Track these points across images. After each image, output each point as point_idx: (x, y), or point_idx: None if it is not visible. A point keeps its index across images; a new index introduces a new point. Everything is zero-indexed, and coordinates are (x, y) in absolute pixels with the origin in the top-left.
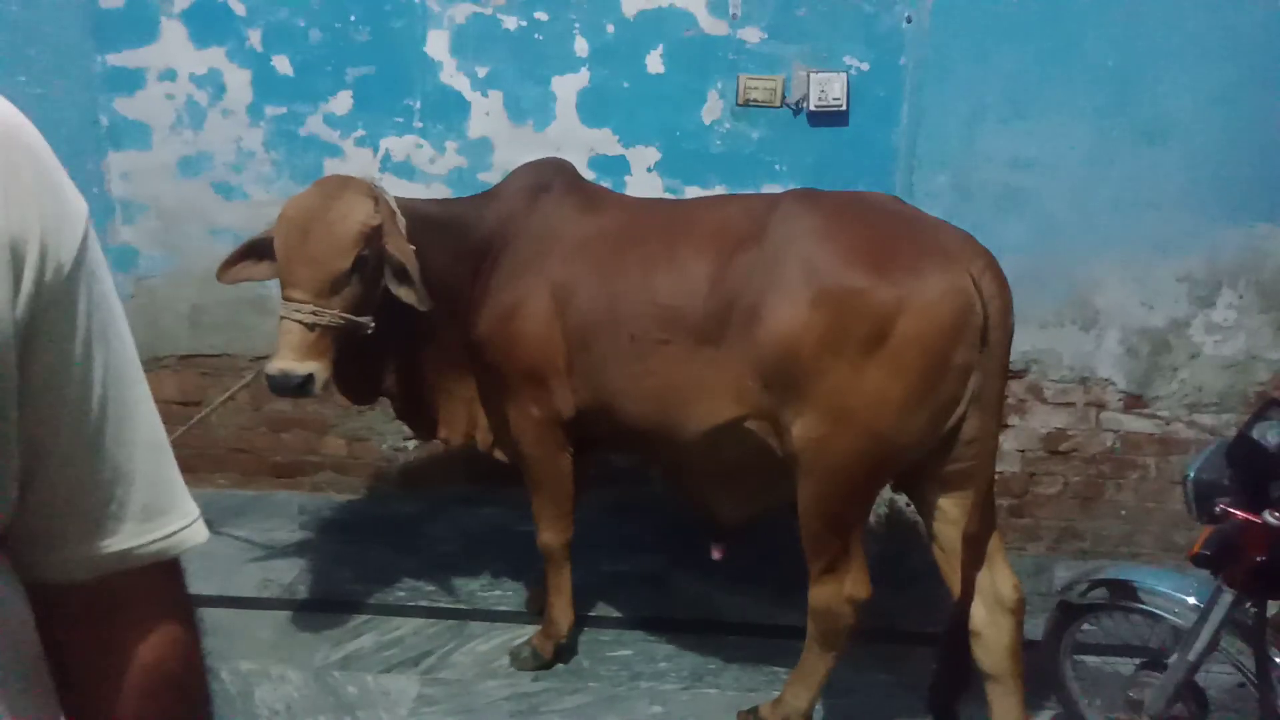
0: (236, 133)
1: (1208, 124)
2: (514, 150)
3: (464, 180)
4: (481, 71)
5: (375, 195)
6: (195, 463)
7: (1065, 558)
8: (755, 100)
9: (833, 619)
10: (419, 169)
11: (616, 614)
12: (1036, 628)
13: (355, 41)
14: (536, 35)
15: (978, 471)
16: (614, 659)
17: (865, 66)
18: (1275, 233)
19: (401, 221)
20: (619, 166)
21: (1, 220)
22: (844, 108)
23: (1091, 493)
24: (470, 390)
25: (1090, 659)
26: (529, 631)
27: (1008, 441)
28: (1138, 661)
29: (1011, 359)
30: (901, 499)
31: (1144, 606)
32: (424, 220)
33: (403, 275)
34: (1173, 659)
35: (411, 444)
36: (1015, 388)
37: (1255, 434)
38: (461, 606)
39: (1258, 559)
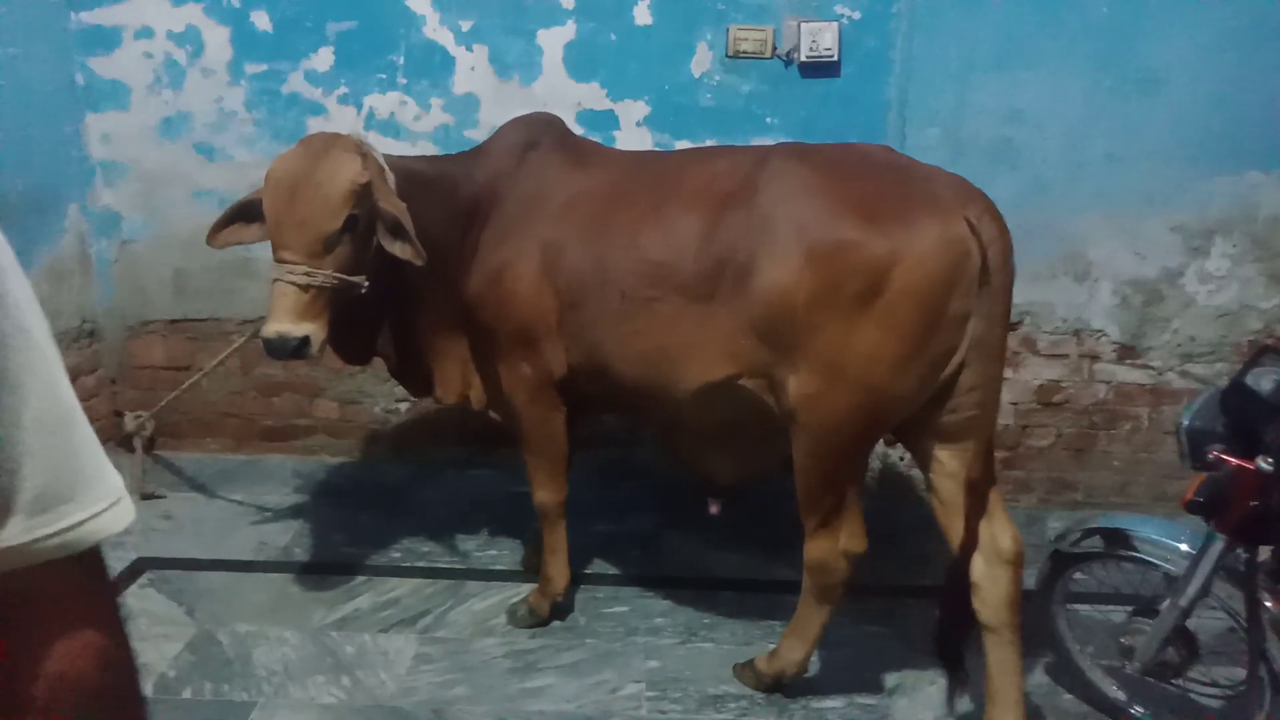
0: (217, 92)
1: (1200, 74)
2: (500, 106)
3: (450, 138)
4: (465, 25)
5: (363, 152)
6: (186, 428)
7: (1058, 509)
8: (745, 51)
9: (828, 573)
10: (404, 126)
11: (612, 572)
12: (1029, 578)
13: None
14: None
15: (980, 420)
16: (610, 615)
17: (857, 15)
18: (1267, 181)
19: (390, 177)
20: (608, 121)
21: None
22: (835, 58)
23: (1084, 444)
24: (464, 350)
25: (1082, 607)
26: (525, 590)
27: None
28: (1129, 609)
29: None
30: (895, 454)
31: (1136, 554)
32: (414, 178)
33: (397, 230)
34: (1164, 605)
35: (404, 406)
36: (1009, 340)
37: (1249, 381)
38: (457, 566)
39: (1250, 504)
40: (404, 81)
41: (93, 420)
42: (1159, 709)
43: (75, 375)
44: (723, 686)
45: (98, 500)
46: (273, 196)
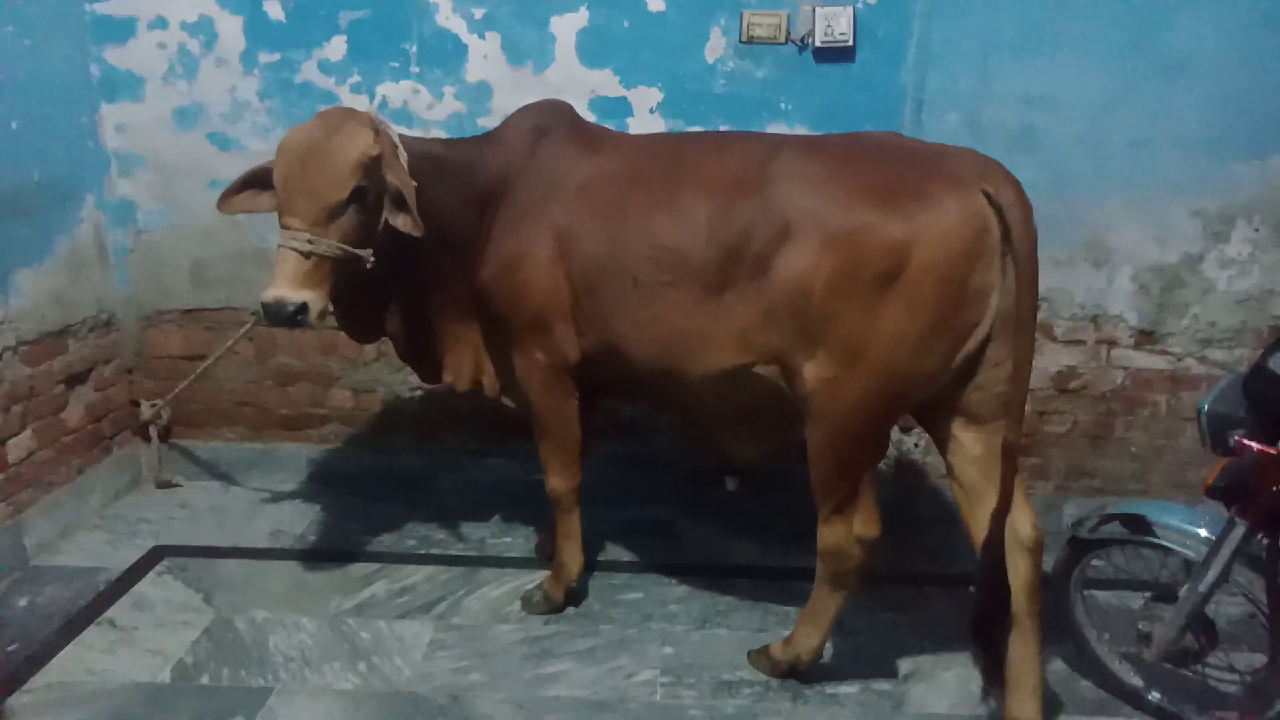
0: (231, 82)
1: (1224, 59)
2: (513, 94)
3: (463, 126)
4: (478, 13)
5: (376, 127)
6: (202, 417)
7: (1075, 496)
8: (759, 37)
9: (843, 559)
10: (417, 115)
11: (627, 558)
12: (1047, 565)
13: None
14: None
15: (1010, 396)
16: (625, 602)
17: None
18: None
19: (403, 155)
20: (621, 108)
21: None
22: (850, 43)
23: (1101, 431)
24: (476, 336)
25: (1100, 594)
26: (539, 577)
27: None
28: (1148, 595)
29: None
30: (909, 441)
31: (1155, 540)
32: (431, 160)
33: (400, 202)
34: (1183, 590)
35: (418, 394)
36: None
37: (1272, 365)
38: (472, 554)
39: (1273, 489)
40: (417, 70)
41: (110, 409)
42: (1177, 696)
43: (93, 365)
44: (738, 673)
45: None
46: (284, 163)
